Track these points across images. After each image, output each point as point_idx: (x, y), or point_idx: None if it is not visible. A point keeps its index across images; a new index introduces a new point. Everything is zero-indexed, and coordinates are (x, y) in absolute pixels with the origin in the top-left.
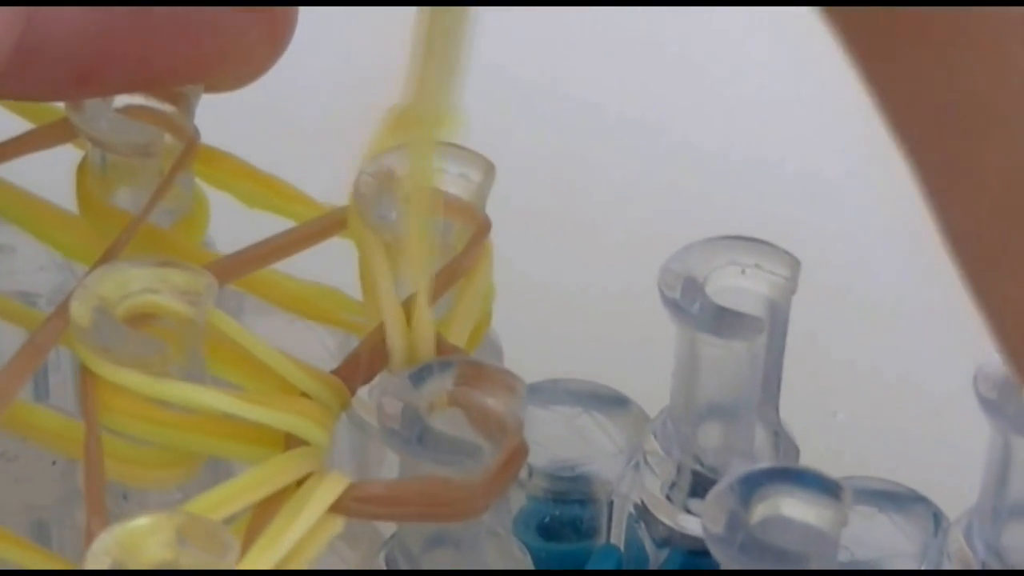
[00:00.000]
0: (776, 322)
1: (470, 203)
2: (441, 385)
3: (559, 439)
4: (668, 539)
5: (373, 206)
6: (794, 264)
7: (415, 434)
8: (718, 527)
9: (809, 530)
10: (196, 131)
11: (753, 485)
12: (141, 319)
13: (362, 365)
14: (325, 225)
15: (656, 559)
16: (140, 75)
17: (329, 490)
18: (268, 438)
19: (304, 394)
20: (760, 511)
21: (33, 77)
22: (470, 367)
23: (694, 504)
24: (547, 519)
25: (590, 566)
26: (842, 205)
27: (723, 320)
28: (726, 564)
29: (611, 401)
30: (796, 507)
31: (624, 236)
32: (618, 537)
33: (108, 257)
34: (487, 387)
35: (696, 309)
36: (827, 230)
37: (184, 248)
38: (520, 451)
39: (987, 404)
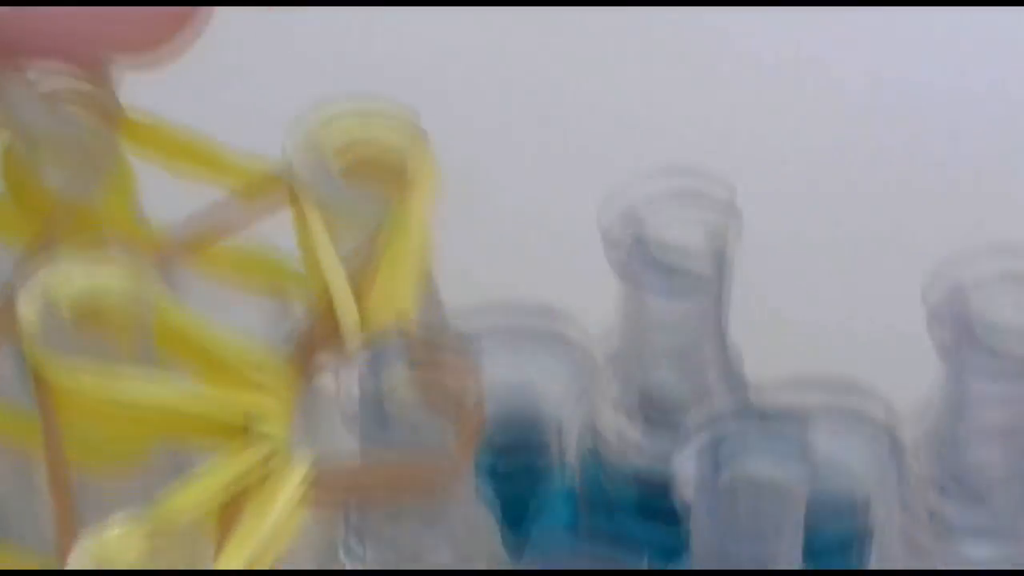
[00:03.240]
0: (722, 270)
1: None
2: (397, 367)
3: (505, 385)
4: (623, 476)
5: (306, 173)
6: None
7: (374, 417)
8: (687, 493)
9: (776, 489)
10: (119, 104)
11: (719, 446)
12: (87, 315)
13: (315, 343)
14: (262, 189)
15: (613, 497)
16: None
17: (294, 480)
18: (226, 428)
19: (260, 379)
20: (728, 473)
21: None
22: (423, 346)
23: (648, 441)
24: (499, 467)
25: (547, 517)
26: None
27: (671, 280)
28: (696, 526)
29: (557, 339)
30: (763, 468)
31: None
32: (573, 480)
33: (42, 241)
34: (442, 364)
35: (642, 266)
36: None
37: (119, 223)
38: (480, 425)
39: (942, 350)
